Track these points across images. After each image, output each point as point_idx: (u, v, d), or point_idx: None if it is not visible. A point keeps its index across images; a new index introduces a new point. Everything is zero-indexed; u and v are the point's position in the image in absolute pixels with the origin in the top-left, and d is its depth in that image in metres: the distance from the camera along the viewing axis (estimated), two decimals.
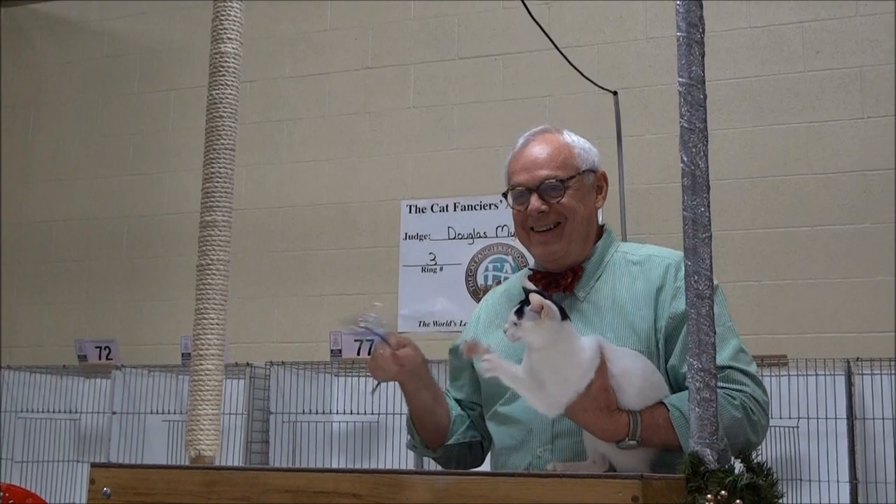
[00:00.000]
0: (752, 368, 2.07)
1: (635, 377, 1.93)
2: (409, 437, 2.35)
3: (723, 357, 2.00)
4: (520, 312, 1.86)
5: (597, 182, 2.28)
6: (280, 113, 5.36)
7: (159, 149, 5.57)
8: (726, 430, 1.89)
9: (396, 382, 2.22)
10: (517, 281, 2.28)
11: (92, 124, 5.75)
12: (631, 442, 1.91)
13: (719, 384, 1.94)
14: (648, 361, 2.01)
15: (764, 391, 2.06)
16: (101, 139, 5.71)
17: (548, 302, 1.85)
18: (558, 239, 2.18)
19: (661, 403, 1.96)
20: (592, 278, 2.19)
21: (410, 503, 1.47)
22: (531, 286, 1.93)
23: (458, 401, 2.35)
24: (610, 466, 1.95)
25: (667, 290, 2.11)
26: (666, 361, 2.06)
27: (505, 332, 1.88)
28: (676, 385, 2.03)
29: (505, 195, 2.26)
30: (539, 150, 2.22)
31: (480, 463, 2.39)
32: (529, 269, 2.33)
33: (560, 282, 2.16)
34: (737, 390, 2.01)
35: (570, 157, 2.22)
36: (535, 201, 2.17)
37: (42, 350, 5.37)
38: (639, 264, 2.19)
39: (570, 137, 2.26)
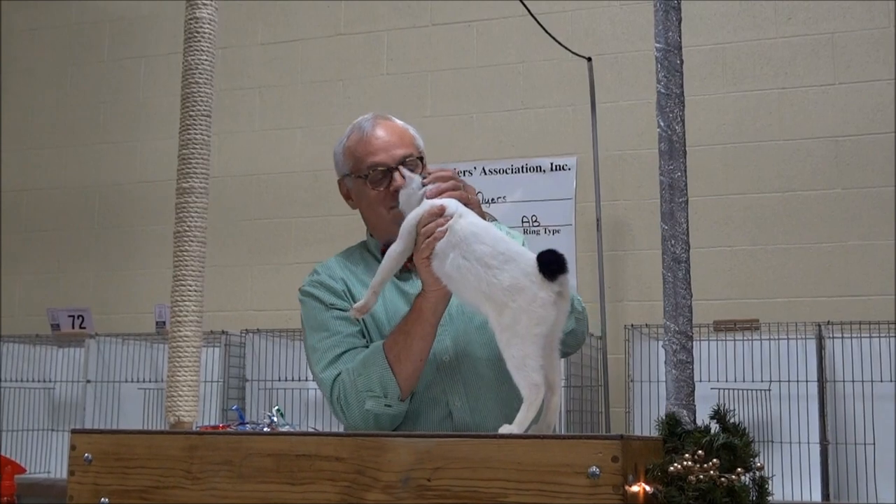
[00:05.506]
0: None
1: None
2: (378, 397, 2.09)
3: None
4: None
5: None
6: (252, 80, 5.32)
7: (130, 117, 5.51)
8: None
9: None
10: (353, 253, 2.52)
11: (61, 92, 5.68)
12: None
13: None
14: None
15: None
16: (71, 107, 5.65)
17: None
18: None
19: None
20: None
21: (393, 465, 1.49)
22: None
23: None
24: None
25: None
26: None
27: None
28: None
29: (363, 176, 2.29)
30: (386, 133, 2.30)
31: None
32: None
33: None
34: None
35: (412, 138, 2.35)
36: (400, 177, 2.21)
37: (14, 319, 5.34)
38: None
39: (402, 122, 2.37)
